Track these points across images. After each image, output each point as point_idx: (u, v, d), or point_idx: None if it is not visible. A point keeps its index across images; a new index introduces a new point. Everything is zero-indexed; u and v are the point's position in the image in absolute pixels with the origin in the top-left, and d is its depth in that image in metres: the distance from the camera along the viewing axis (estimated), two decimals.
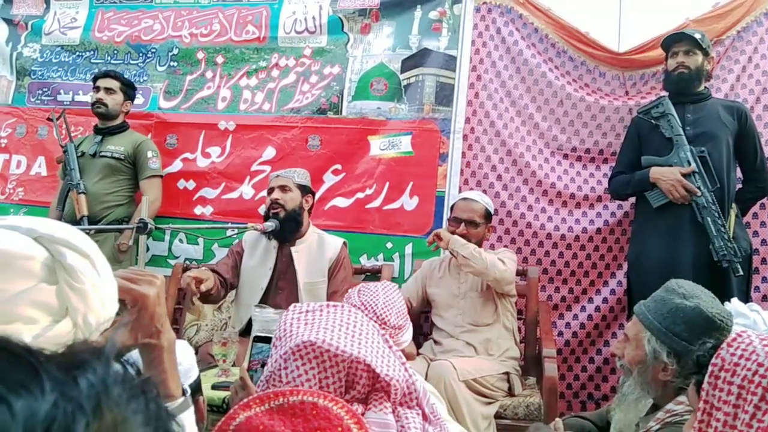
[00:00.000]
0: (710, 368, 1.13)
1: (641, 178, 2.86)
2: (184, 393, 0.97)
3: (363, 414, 0.95)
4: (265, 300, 2.68)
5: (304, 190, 2.83)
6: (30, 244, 0.75)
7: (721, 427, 1.08)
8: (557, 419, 1.77)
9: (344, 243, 2.86)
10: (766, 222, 3.08)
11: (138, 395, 0.36)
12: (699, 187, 2.75)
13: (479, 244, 2.75)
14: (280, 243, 2.78)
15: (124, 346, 0.89)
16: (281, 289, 2.74)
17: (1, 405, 0.30)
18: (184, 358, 1.42)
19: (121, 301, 0.87)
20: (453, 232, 2.74)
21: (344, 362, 0.93)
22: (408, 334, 1.72)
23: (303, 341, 0.93)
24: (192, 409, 0.97)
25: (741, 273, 2.68)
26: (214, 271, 2.73)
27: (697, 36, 2.87)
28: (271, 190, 2.81)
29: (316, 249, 2.79)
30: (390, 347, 1.02)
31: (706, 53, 2.89)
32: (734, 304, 2.02)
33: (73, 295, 0.76)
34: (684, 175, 2.76)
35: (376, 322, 1.63)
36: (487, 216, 2.79)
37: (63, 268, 0.75)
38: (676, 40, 2.92)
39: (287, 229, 2.74)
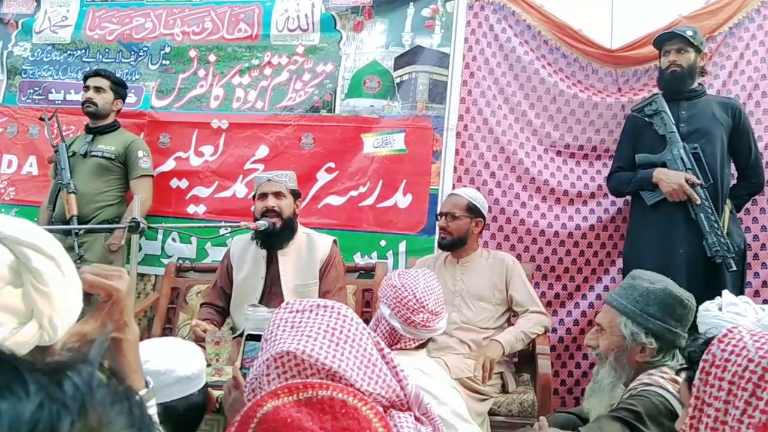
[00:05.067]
0: (701, 364, 1.13)
1: (644, 178, 2.87)
2: (147, 385, 1.00)
3: None
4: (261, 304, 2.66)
5: (295, 194, 2.77)
6: None
7: (712, 423, 1.09)
8: (542, 418, 1.79)
9: (334, 241, 2.83)
10: (758, 218, 3.09)
11: (122, 399, 0.37)
12: (692, 184, 2.76)
13: (465, 236, 2.75)
14: (268, 249, 2.73)
15: (92, 340, 0.89)
16: (274, 294, 2.71)
17: None
18: (195, 365, 1.44)
19: (88, 296, 0.88)
20: (442, 227, 2.76)
21: (324, 371, 0.92)
22: (443, 322, 1.73)
23: (283, 350, 0.92)
24: (154, 400, 1.00)
25: (734, 268, 2.69)
26: (209, 304, 2.80)
27: (689, 33, 2.88)
28: (263, 196, 2.71)
29: (306, 250, 2.75)
30: (381, 350, 1.01)
31: (698, 50, 2.90)
32: (725, 295, 2.05)
33: (39, 297, 0.76)
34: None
35: (414, 304, 1.64)
36: (471, 209, 2.75)
37: (28, 271, 0.75)
38: (667, 39, 2.93)
39: (282, 236, 2.69)
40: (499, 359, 2.51)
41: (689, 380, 1.20)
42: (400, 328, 1.66)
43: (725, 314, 1.90)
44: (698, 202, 2.74)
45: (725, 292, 2.09)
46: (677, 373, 1.57)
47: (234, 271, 2.80)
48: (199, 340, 2.47)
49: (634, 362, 1.71)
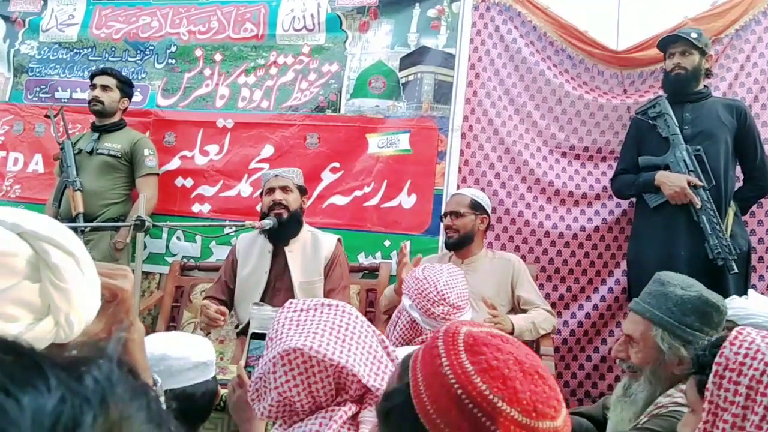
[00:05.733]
0: (714, 368, 1.11)
1: (646, 181, 2.87)
2: (155, 384, 0.99)
3: (358, 413, 0.95)
4: (263, 301, 2.67)
5: (302, 190, 2.82)
6: (14, 240, 0.74)
7: (729, 429, 1.07)
8: None
9: (339, 240, 2.85)
10: (763, 221, 3.08)
11: (140, 394, 0.37)
12: (694, 186, 2.75)
13: (471, 233, 2.76)
14: (275, 244, 2.76)
15: (101, 340, 0.89)
16: (278, 290, 2.73)
17: (9, 400, 0.31)
18: (208, 352, 1.48)
19: None
20: (448, 226, 2.78)
21: (332, 367, 0.93)
22: (466, 317, 1.72)
23: (291, 347, 0.93)
24: (162, 398, 0.99)
25: (736, 271, 2.69)
26: (212, 297, 2.78)
27: (693, 36, 2.87)
28: (270, 190, 2.76)
29: (311, 248, 2.77)
30: (385, 348, 1.01)
31: (703, 52, 2.89)
32: (751, 293, 2.06)
33: (57, 293, 0.75)
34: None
35: (435, 296, 1.63)
36: (475, 206, 2.77)
37: (47, 266, 0.74)
38: (672, 41, 2.92)
39: (289, 230, 2.73)
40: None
41: (699, 384, 1.17)
42: (420, 320, 1.65)
43: (751, 299, 1.88)
44: (698, 205, 2.73)
45: (751, 291, 2.11)
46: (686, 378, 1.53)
47: (239, 266, 2.81)
48: (212, 324, 2.46)
49: (671, 374, 1.60)
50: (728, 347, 1.11)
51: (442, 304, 1.65)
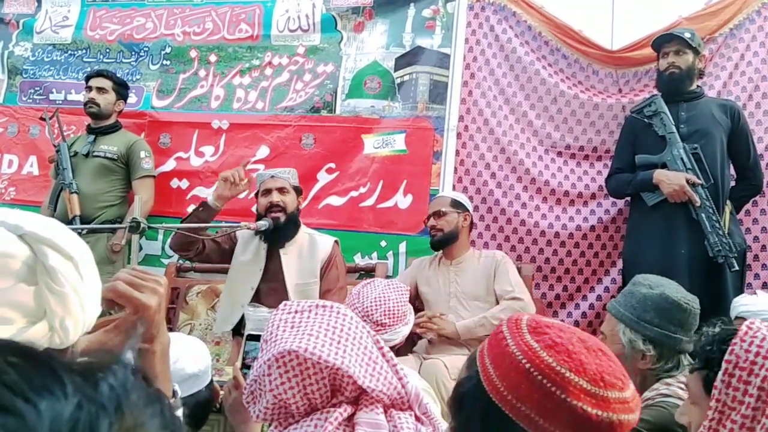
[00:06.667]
0: (724, 365, 1.08)
1: (644, 179, 2.86)
2: (174, 395, 0.97)
3: (354, 414, 0.95)
4: (257, 300, 2.67)
5: (298, 191, 2.81)
6: (13, 242, 0.73)
7: (737, 429, 1.04)
8: None
9: (336, 241, 2.84)
10: (758, 219, 3.09)
11: (154, 401, 0.37)
12: (693, 184, 2.76)
13: (456, 231, 2.76)
14: (270, 245, 2.75)
15: (115, 347, 0.88)
16: (273, 290, 2.72)
17: (27, 406, 0.31)
18: (202, 361, 1.44)
19: (116, 304, 0.86)
20: (432, 226, 2.77)
21: (327, 369, 0.92)
22: (393, 335, 1.71)
23: (285, 349, 0.92)
24: (181, 410, 0.97)
25: (737, 268, 2.70)
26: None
27: (687, 35, 2.88)
28: (267, 192, 2.74)
29: (307, 250, 2.76)
30: (381, 348, 1.01)
31: (696, 52, 2.90)
32: (760, 293, 2.09)
33: (52, 297, 0.74)
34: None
35: (359, 312, 1.65)
36: (456, 204, 2.79)
37: (44, 270, 0.73)
38: (666, 41, 2.93)
39: (286, 231, 2.71)
40: (451, 337, 2.58)
41: (705, 380, 1.15)
42: None
43: (760, 296, 1.92)
44: (698, 203, 2.74)
45: (759, 291, 2.14)
46: (690, 373, 1.55)
47: (237, 249, 2.81)
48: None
49: (638, 370, 1.65)
50: (739, 344, 1.07)
51: (364, 320, 1.67)
